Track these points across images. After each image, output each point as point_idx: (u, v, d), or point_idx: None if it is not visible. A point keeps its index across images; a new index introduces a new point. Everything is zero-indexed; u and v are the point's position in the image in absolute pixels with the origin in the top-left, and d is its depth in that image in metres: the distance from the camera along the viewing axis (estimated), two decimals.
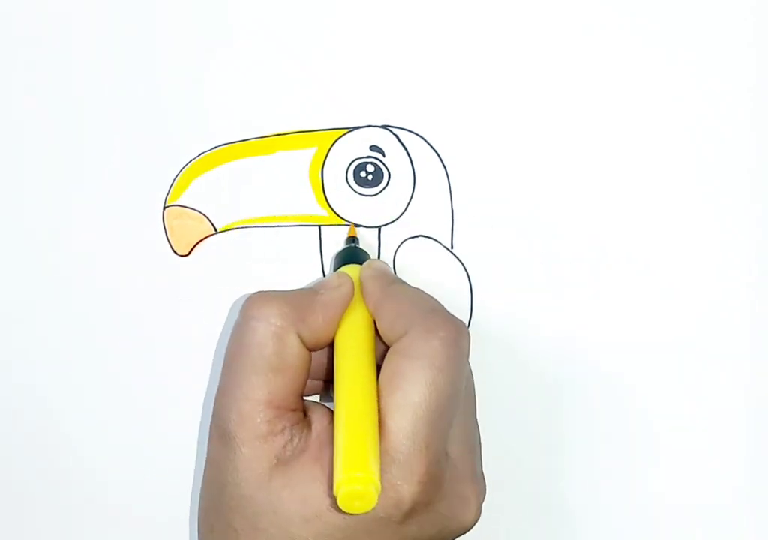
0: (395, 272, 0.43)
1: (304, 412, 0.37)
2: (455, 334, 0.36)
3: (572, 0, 0.42)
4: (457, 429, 0.37)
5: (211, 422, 0.37)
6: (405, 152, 0.43)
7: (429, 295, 0.39)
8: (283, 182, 0.43)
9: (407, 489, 0.35)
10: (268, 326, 0.36)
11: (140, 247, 0.43)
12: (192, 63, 0.43)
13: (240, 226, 0.43)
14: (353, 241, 0.43)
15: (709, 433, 0.44)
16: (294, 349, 0.37)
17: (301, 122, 0.43)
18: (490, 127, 0.43)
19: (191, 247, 0.43)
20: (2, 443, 0.45)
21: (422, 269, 0.43)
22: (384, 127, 0.43)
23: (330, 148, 0.43)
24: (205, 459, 0.38)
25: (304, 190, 0.43)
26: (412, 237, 0.43)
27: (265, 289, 0.38)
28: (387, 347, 0.37)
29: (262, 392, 0.36)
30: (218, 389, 0.37)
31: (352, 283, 0.39)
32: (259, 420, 0.36)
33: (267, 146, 0.43)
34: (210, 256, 0.43)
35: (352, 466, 0.33)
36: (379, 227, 0.43)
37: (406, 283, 0.40)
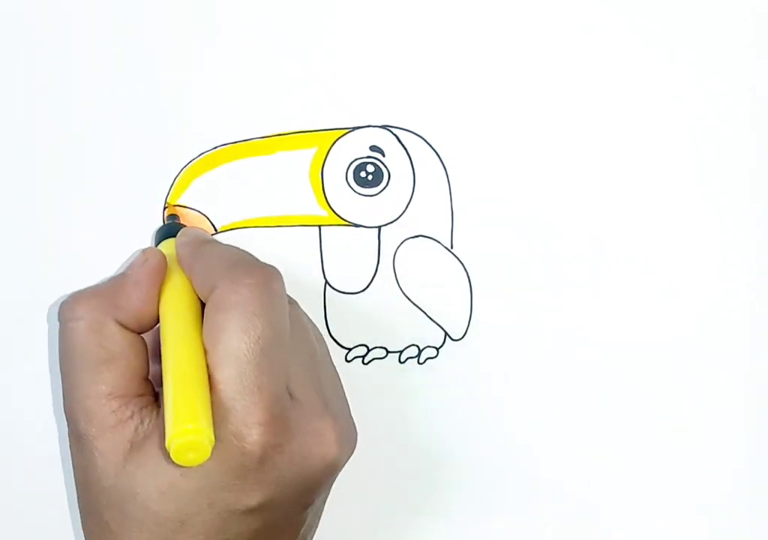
0: (394, 273, 0.43)
1: (155, 395, 0.37)
2: (263, 278, 0.36)
3: (572, 0, 0.42)
4: (296, 370, 0.37)
5: (68, 430, 0.37)
6: (405, 152, 0.43)
7: (239, 249, 0.40)
8: (283, 182, 0.43)
9: (249, 433, 0.35)
10: (82, 323, 0.37)
11: (140, 247, 0.43)
12: (192, 63, 0.43)
13: (240, 226, 0.43)
14: (172, 219, 0.43)
15: (708, 433, 0.44)
16: (116, 337, 0.37)
17: (301, 122, 0.43)
18: (490, 128, 0.43)
19: None
20: (2, 444, 0.45)
21: (422, 269, 0.43)
22: (384, 127, 0.43)
23: (330, 148, 0.43)
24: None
25: (304, 190, 0.43)
26: (412, 237, 0.43)
27: (75, 291, 0.38)
28: None
29: (99, 387, 0.36)
30: (63, 397, 0.37)
31: (160, 254, 0.39)
32: (104, 413, 0.36)
33: (267, 146, 0.43)
34: None
35: (181, 419, 0.33)
36: (379, 227, 0.43)
37: (219, 242, 0.41)
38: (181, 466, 0.33)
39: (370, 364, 0.44)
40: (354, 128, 0.43)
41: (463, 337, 0.44)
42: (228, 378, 0.35)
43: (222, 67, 0.43)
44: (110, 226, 0.43)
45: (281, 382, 0.36)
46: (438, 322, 0.43)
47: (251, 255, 0.39)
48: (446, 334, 0.44)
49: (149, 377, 0.38)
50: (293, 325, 0.38)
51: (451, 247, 0.43)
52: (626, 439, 0.44)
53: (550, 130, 0.43)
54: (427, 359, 0.44)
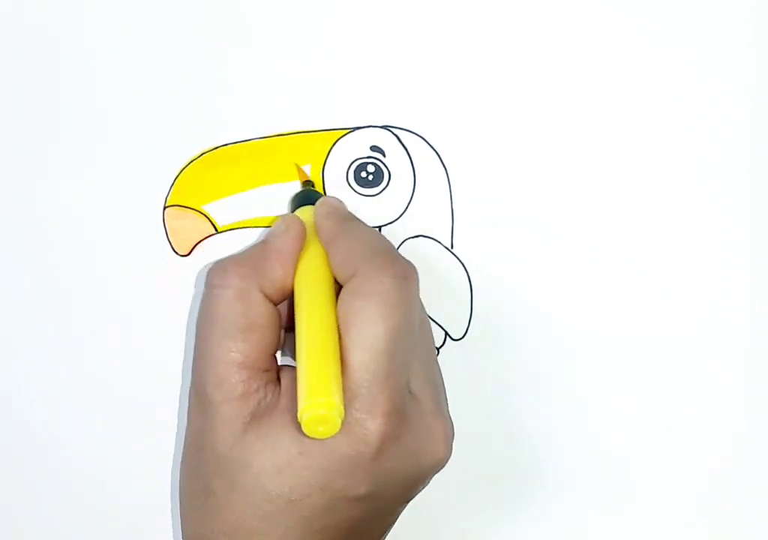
0: None
1: (277, 373, 0.38)
2: (405, 272, 0.37)
3: (572, 0, 0.42)
4: (417, 367, 0.38)
5: (190, 389, 0.38)
6: (405, 152, 0.43)
7: (381, 236, 0.40)
8: (283, 182, 0.43)
9: (372, 421, 0.35)
10: (230, 291, 0.37)
11: (141, 247, 0.43)
12: (192, 63, 0.43)
13: (240, 226, 0.43)
14: (308, 184, 0.43)
15: (709, 432, 0.44)
16: (260, 307, 0.37)
17: (302, 122, 0.43)
18: (490, 128, 0.43)
19: (192, 247, 0.43)
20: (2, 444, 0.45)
21: (422, 269, 0.43)
22: (384, 127, 0.43)
23: (330, 148, 0.43)
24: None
25: None
26: (412, 237, 0.43)
27: (222, 258, 0.39)
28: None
29: (234, 354, 0.36)
30: (194, 357, 0.38)
31: (301, 223, 0.40)
32: (234, 381, 0.36)
33: (267, 146, 0.43)
34: (210, 256, 0.43)
35: (315, 392, 0.33)
36: (380, 227, 0.43)
37: (361, 222, 0.41)
38: (309, 438, 0.34)
39: None
40: (354, 128, 0.43)
41: (463, 337, 0.44)
42: (360, 364, 0.35)
43: (222, 67, 0.43)
44: (111, 226, 0.43)
45: (406, 376, 0.37)
46: (438, 322, 0.43)
47: (391, 244, 0.39)
48: (446, 334, 0.44)
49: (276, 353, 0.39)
50: (420, 323, 0.38)
51: (451, 247, 0.43)
52: (626, 439, 0.44)
53: (550, 130, 0.43)
54: None
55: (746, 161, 0.43)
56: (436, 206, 0.43)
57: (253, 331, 0.37)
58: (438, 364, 0.40)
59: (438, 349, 0.44)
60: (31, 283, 0.44)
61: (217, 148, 0.43)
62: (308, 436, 0.33)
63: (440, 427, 0.38)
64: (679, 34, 0.42)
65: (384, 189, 0.43)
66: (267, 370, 0.37)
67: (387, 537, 0.40)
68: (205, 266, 0.43)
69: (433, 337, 0.41)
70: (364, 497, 0.36)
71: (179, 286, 0.43)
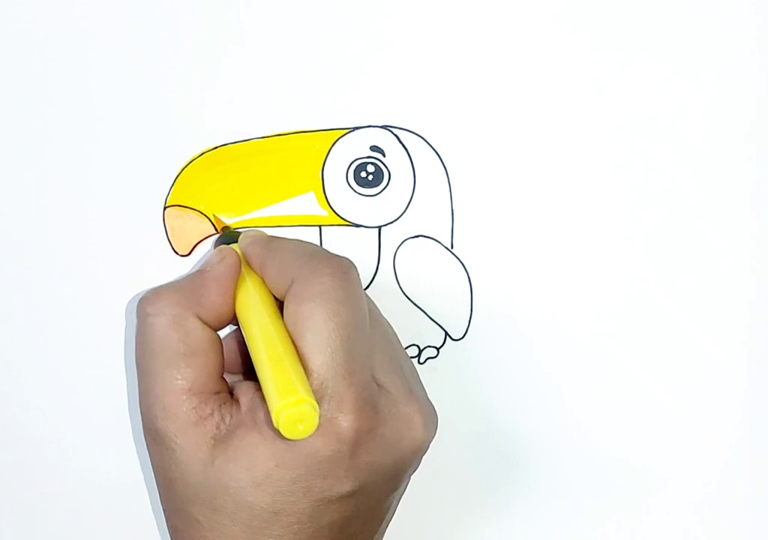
0: (395, 273, 0.43)
1: (230, 392, 0.37)
2: (341, 267, 0.37)
3: (572, 0, 0.42)
4: (378, 357, 0.37)
5: (143, 431, 0.37)
6: (405, 152, 0.43)
7: (307, 242, 0.40)
8: (283, 182, 0.43)
9: (344, 419, 0.35)
10: (165, 318, 0.36)
11: (141, 247, 0.43)
12: (192, 63, 0.43)
13: (240, 226, 0.43)
14: (227, 230, 0.43)
15: (708, 432, 0.44)
16: (197, 332, 0.37)
17: (302, 122, 0.43)
18: (490, 128, 0.43)
19: (192, 247, 0.43)
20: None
21: (422, 269, 0.43)
22: (384, 127, 0.43)
23: (330, 148, 0.43)
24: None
25: (304, 190, 0.43)
26: (412, 237, 0.43)
27: (156, 286, 0.38)
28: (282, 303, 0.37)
29: (180, 382, 0.36)
30: (140, 396, 0.37)
31: (235, 253, 0.40)
32: (185, 409, 0.36)
33: (267, 146, 0.43)
34: None
35: (285, 393, 0.33)
36: (379, 227, 0.43)
37: (284, 239, 0.41)
38: (286, 443, 0.34)
39: None
40: (354, 128, 0.43)
41: (463, 337, 0.44)
42: (320, 365, 0.35)
43: (222, 67, 0.43)
44: (111, 227, 0.43)
45: (368, 368, 0.36)
46: (438, 322, 0.43)
47: (320, 246, 0.39)
48: (446, 334, 0.44)
49: (223, 375, 0.38)
50: (371, 314, 0.38)
51: (451, 247, 0.43)
52: (626, 438, 0.44)
53: (550, 130, 0.43)
54: (427, 359, 0.44)
55: (746, 161, 0.43)
56: (436, 206, 0.43)
57: (195, 356, 0.36)
58: (403, 350, 0.40)
59: (438, 349, 0.44)
60: (31, 283, 0.44)
61: (216, 147, 0.43)
62: (288, 438, 0.33)
63: (415, 412, 0.37)
64: (680, 35, 0.42)
65: (384, 189, 0.43)
66: (217, 392, 0.37)
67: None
68: (134, 297, 0.43)
69: (388, 325, 0.40)
70: (349, 494, 0.36)
71: None
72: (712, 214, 0.43)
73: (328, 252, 0.38)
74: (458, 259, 0.43)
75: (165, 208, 0.43)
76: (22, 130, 0.43)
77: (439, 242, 0.43)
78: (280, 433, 0.33)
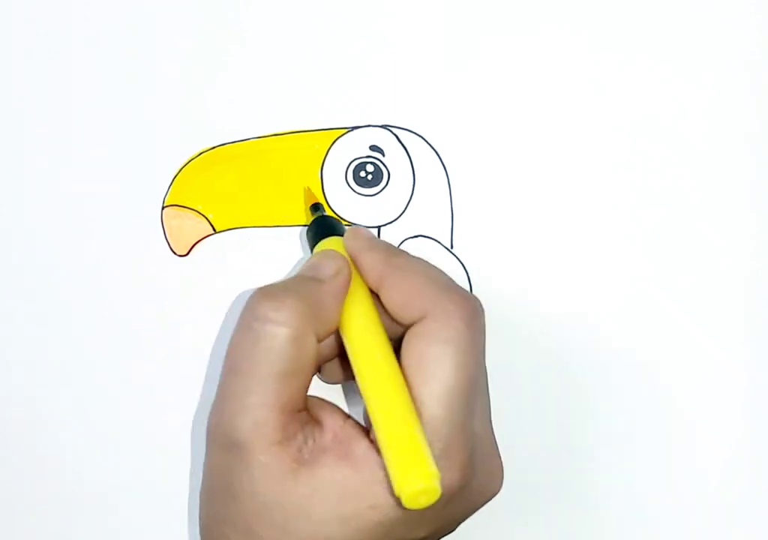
0: None
1: (308, 410, 0.36)
2: (475, 312, 0.35)
3: (572, 0, 0.42)
4: (478, 405, 0.36)
5: (212, 431, 0.36)
6: (405, 152, 0.43)
7: (436, 268, 0.37)
8: (282, 182, 0.43)
9: (450, 476, 0.34)
10: (288, 330, 0.34)
11: (139, 247, 0.43)
12: (191, 63, 0.43)
13: (240, 226, 0.43)
14: (318, 209, 0.42)
15: (708, 432, 0.44)
16: (312, 351, 0.35)
17: (301, 122, 0.43)
18: (490, 128, 0.43)
19: (190, 247, 0.43)
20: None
21: None
22: (384, 126, 0.43)
23: (329, 148, 0.43)
24: (203, 466, 0.37)
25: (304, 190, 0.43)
26: (412, 237, 0.43)
27: (265, 286, 0.36)
28: (393, 322, 0.36)
29: (279, 399, 0.34)
30: (221, 395, 0.35)
31: (349, 266, 0.37)
32: (274, 426, 0.34)
33: (266, 146, 0.43)
34: (209, 256, 0.43)
35: (408, 466, 0.32)
36: (379, 227, 0.43)
37: (407, 253, 0.38)
38: (410, 509, 0.33)
39: None
40: (354, 128, 0.43)
41: None
42: (437, 418, 0.34)
43: (221, 67, 0.43)
44: (109, 226, 0.43)
45: (473, 421, 0.35)
46: None
47: (448, 276, 0.37)
48: None
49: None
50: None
51: (451, 247, 0.43)
52: (626, 438, 0.44)
53: (550, 130, 0.43)
54: None
55: (746, 162, 0.43)
56: (436, 206, 0.43)
57: (301, 374, 0.35)
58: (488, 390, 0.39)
59: None
60: (29, 283, 0.43)
61: (215, 147, 0.43)
62: (407, 507, 0.32)
63: (499, 467, 0.37)
64: (680, 34, 0.42)
65: (383, 189, 0.43)
66: (300, 410, 0.35)
67: None
68: (243, 292, 0.42)
69: (485, 366, 0.39)
70: (420, 538, 0.36)
71: (178, 287, 0.43)
72: (712, 214, 0.43)
73: (460, 287, 0.36)
74: (458, 259, 0.43)
75: (163, 208, 0.43)
76: (22, 130, 0.43)
77: (439, 242, 0.43)
78: (396, 494, 0.32)
